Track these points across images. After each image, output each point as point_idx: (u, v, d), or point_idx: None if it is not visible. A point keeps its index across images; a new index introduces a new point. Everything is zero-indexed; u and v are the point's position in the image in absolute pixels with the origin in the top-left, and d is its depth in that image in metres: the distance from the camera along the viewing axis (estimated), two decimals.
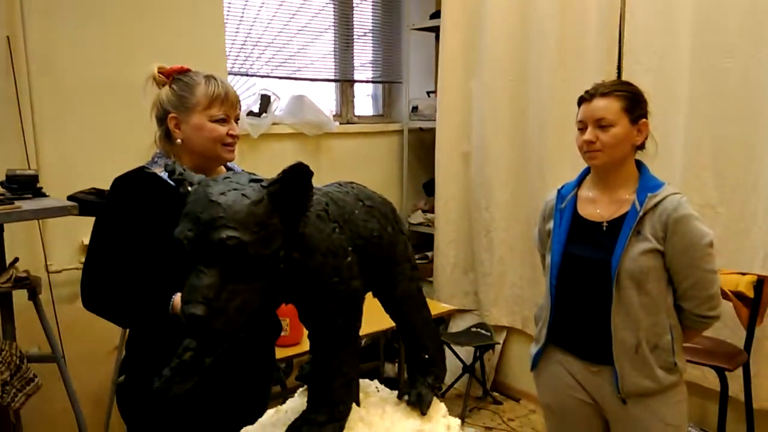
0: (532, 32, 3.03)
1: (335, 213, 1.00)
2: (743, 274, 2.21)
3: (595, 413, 1.73)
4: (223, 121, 1.44)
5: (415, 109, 3.92)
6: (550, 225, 1.77)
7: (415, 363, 1.24)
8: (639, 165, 1.69)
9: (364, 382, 1.32)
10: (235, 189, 0.82)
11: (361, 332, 2.69)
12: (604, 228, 1.65)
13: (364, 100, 4.23)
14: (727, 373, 2.19)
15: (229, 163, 1.54)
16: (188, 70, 1.49)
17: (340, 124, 3.80)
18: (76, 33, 2.71)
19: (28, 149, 2.58)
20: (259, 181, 0.85)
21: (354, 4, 3.88)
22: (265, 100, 3.45)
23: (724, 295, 2.17)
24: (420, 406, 1.19)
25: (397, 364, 3.42)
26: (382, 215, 1.13)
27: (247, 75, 3.53)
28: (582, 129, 1.65)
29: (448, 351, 3.50)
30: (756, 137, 2.31)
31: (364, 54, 4.04)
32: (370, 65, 4.15)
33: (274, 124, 3.44)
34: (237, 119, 1.49)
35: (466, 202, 3.53)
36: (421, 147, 4.04)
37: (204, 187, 0.83)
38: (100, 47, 2.78)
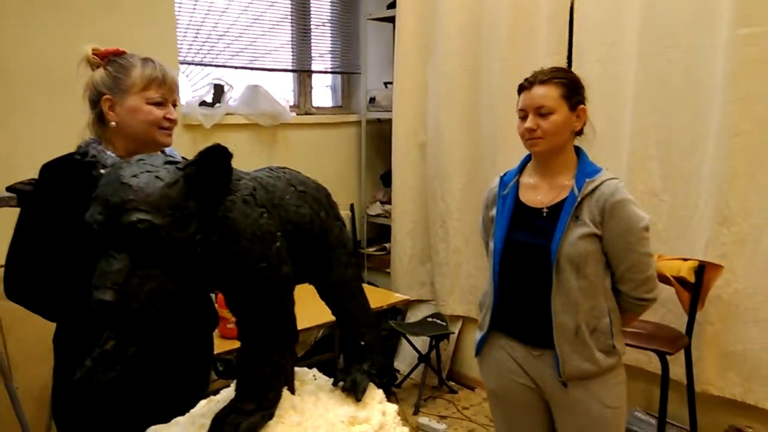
0: (485, 22, 3.05)
1: (263, 198, 0.98)
2: (685, 259, 2.27)
3: (538, 397, 1.75)
4: (160, 104, 1.40)
5: (372, 100, 3.91)
6: (494, 212, 1.78)
7: (352, 350, 1.24)
8: (578, 151, 1.72)
9: (301, 370, 1.32)
10: (148, 171, 0.80)
11: (314, 323, 2.61)
12: (545, 214, 1.67)
13: (324, 91, 4.21)
14: (669, 357, 2.24)
15: (167, 149, 1.51)
16: (124, 52, 1.44)
17: (298, 114, 3.77)
18: (22, 20, 2.62)
19: None
20: (176, 163, 0.83)
21: None
22: (219, 90, 3.39)
23: (666, 280, 2.23)
24: (355, 393, 1.19)
25: None
26: (315, 200, 1.12)
27: (202, 65, 3.46)
28: (523, 117, 1.66)
29: (404, 341, 3.52)
30: (699, 127, 2.36)
31: (322, 44, 4.01)
32: (330, 56, 4.12)
33: (227, 114, 3.39)
34: (175, 104, 1.45)
35: (423, 192, 3.54)
36: (380, 138, 4.04)
37: (116, 170, 0.81)
38: (48, 36, 2.69)
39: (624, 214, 1.59)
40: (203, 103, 3.32)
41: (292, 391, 1.21)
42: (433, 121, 3.37)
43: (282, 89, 3.87)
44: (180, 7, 3.24)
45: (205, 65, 3.48)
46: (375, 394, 1.24)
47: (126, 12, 2.90)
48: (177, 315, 1.06)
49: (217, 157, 0.82)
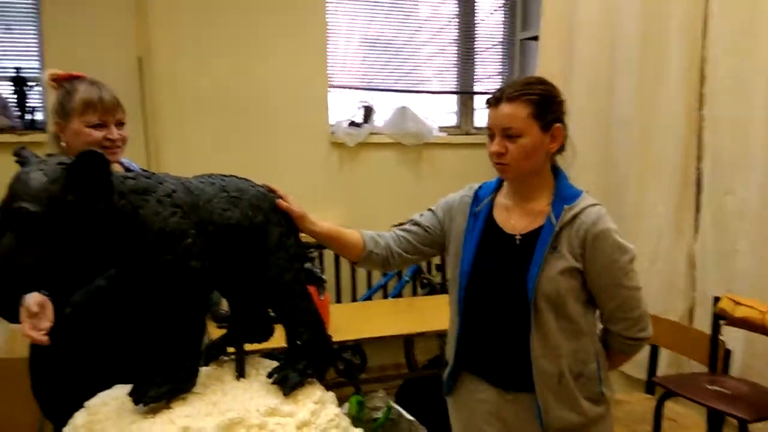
0: (619, 41, 2.84)
1: (181, 200, 1.14)
2: None
3: None
4: (101, 126, 1.49)
5: None
6: (457, 225, 1.57)
7: (291, 348, 1.33)
8: (555, 171, 1.51)
9: (264, 361, 1.43)
10: (41, 169, 1.02)
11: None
12: (517, 242, 1.48)
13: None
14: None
15: (125, 162, 1.63)
16: (80, 77, 1.53)
17: (451, 135, 3.86)
18: (196, 51, 3.21)
19: (151, 156, 3.11)
20: (66, 164, 1.03)
21: (476, 21, 3.95)
22: (368, 111, 3.66)
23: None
24: (283, 387, 1.27)
25: None
26: (251, 206, 1.25)
27: (360, 88, 3.77)
28: (491, 136, 1.47)
29: None
30: None
31: (489, 66, 4.07)
32: (499, 77, 4.16)
33: (374, 133, 3.62)
34: (121, 123, 1.54)
35: None
36: None
37: (23, 167, 1.04)
38: (216, 63, 3.25)
39: (607, 247, 1.40)
40: (352, 123, 3.61)
41: (238, 376, 1.34)
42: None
43: (446, 111, 4.02)
44: (348, 38, 3.64)
45: (370, 90, 3.78)
46: (313, 394, 1.29)
47: (283, 44, 3.36)
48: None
49: (88, 162, 1.00)
